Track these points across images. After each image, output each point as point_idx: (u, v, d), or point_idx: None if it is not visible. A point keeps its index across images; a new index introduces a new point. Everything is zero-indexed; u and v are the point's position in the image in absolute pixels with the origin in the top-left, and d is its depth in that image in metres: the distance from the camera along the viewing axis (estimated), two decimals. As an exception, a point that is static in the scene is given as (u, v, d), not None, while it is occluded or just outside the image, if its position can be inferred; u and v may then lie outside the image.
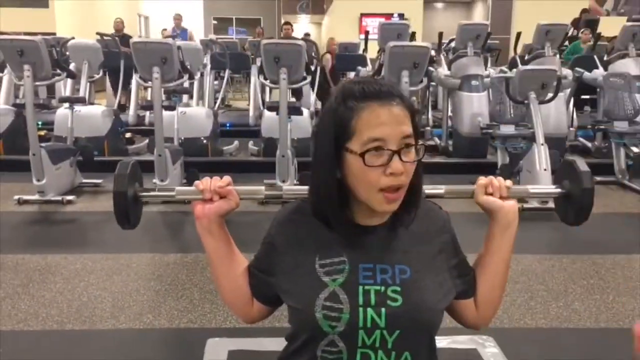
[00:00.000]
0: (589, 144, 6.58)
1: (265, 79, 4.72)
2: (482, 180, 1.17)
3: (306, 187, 1.14)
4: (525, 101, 5.00)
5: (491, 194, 1.15)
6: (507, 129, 5.40)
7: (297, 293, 1.07)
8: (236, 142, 6.73)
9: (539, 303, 2.98)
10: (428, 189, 1.18)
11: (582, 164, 1.22)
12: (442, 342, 1.70)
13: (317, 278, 1.06)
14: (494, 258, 1.17)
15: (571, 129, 6.67)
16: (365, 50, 8.28)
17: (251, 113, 7.44)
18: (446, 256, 1.13)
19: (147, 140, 6.60)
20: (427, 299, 1.06)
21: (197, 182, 1.14)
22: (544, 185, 4.48)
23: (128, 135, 6.85)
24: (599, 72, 6.40)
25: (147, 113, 7.49)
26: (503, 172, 4.93)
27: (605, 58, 6.84)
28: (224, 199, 1.13)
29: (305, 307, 1.04)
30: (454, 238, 1.17)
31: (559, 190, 1.26)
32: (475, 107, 6.04)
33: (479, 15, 18.19)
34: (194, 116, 6.04)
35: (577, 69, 6.62)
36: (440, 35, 6.82)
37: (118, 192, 1.19)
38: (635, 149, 5.39)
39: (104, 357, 2.44)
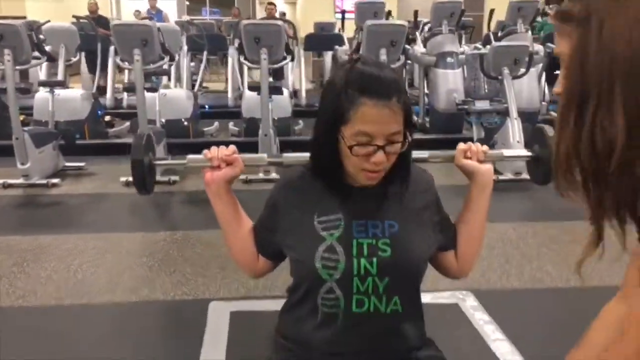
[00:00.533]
0: (560, 118, 6.78)
1: (246, 59, 4.79)
2: (462, 145, 1.31)
3: (304, 154, 1.27)
4: (499, 77, 5.16)
5: (470, 158, 1.29)
6: (482, 105, 5.56)
7: (299, 247, 1.20)
8: (216, 124, 6.79)
9: (514, 266, 3.16)
10: (414, 154, 1.31)
11: (550, 130, 1.36)
12: (425, 297, 1.84)
13: (316, 233, 1.19)
14: (472, 215, 1.31)
15: (543, 103, 6.86)
16: (342, 29, 8.35)
17: (230, 94, 7.48)
18: (430, 213, 1.26)
19: (127, 123, 6.63)
20: (413, 249, 1.19)
21: (205, 151, 1.25)
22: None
23: (107, 118, 6.85)
24: (568, 48, 6.57)
25: (125, 96, 7.49)
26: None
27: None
28: (230, 166, 1.25)
29: (306, 258, 1.17)
30: (437, 198, 1.30)
31: (530, 153, 1.40)
32: (450, 83, 6.19)
33: (453, -8, 18.26)
34: (175, 98, 6.07)
35: (549, 44, 6.79)
36: (416, 13, 6.93)
37: (135, 161, 1.29)
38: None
39: (104, 328, 2.55)
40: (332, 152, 1.15)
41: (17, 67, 4.61)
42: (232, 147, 1.27)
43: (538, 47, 6.57)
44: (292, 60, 5.25)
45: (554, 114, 6.98)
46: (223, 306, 1.79)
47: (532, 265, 3.19)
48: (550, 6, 9.17)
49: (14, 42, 4.41)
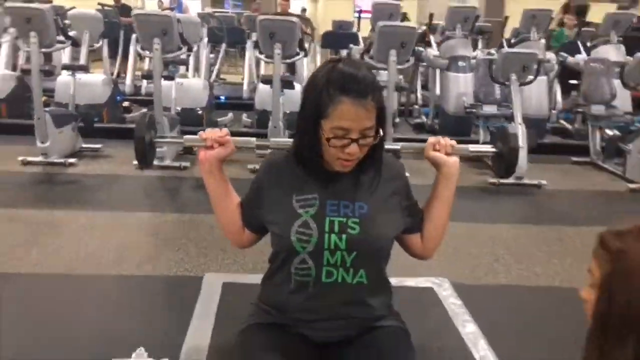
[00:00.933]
0: (569, 127, 6.87)
1: (261, 53, 4.95)
2: (432, 139, 1.45)
3: (290, 140, 1.43)
4: (507, 82, 5.26)
5: (438, 151, 1.43)
6: (490, 109, 5.68)
7: (278, 221, 1.36)
8: (230, 114, 6.95)
9: (502, 265, 3.29)
10: (387, 145, 1.46)
11: (512, 129, 1.51)
12: (404, 282, 2.00)
13: (294, 210, 1.34)
14: (438, 203, 1.46)
15: (554, 111, 6.93)
16: (358, 28, 8.49)
17: (245, 87, 7.66)
18: (399, 198, 1.41)
19: (144, 110, 6.84)
20: (379, 229, 1.34)
21: (200, 132, 1.41)
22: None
23: (125, 104, 7.06)
24: (581, 57, 6.65)
25: (144, 83, 7.69)
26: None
27: (588, 44, 7.10)
28: (222, 146, 1.41)
29: (283, 232, 1.33)
30: (407, 184, 1.45)
31: (493, 149, 1.55)
32: (461, 87, 6.30)
33: (474, -3, 18.26)
34: (191, 87, 6.25)
35: (562, 53, 6.87)
36: (431, 16, 7.05)
37: (138, 137, 1.46)
38: (609, 132, 5.68)
39: (110, 297, 2.75)
40: (312, 141, 1.30)
41: (42, 50, 4.81)
42: (225, 130, 1.43)
43: (550, 56, 6.66)
44: (305, 56, 5.40)
45: (563, 122, 7.07)
46: (216, 277, 1.96)
47: (521, 265, 3.31)
48: (569, 15, 9.23)
49: (40, 26, 4.61)
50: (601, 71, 6.00)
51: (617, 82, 5.90)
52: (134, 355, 2.18)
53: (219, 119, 6.66)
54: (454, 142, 1.45)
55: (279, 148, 1.49)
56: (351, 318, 1.37)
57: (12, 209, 3.79)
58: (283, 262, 1.36)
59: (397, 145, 1.50)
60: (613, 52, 6.49)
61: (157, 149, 4.79)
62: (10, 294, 2.71)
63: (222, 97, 7.75)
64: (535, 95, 6.27)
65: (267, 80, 5.06)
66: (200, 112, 6.24)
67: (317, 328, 1.37)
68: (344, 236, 1.31)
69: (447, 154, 1.43)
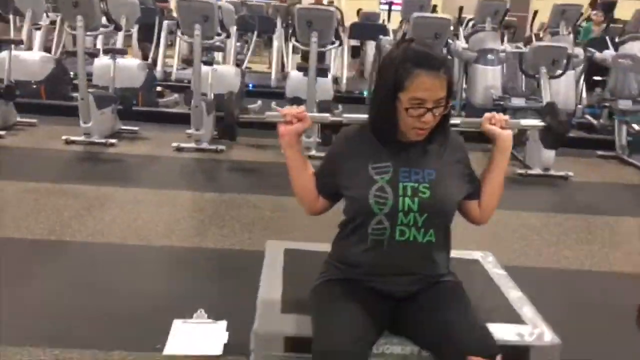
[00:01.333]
0: (595, 122, 6.93)
1: (297, 41, 5.09)
2: (487, 114, 1.62)
3: (361, 116, 1.59)
4: (536, 75, 5.36)
5: (494, 124, 1.58)
6: (518, 102, 5.78)
7: (356, 187, 1.51)
8: (259, 102, 7.11)
9: (533, 249, 3.41)
10: None
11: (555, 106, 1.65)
12: (453, 254, 2.14)
13: (370, 177, 1.49)
14: (493, 173, 1.61)
15: (579, 106, 7.00)
16: (388, 20, 8.59)
17: (273, 75, 7.80)
18: (461, 167, 1.56)
19: (175, 96, 7.08)
20: (447, 194, 1.50)
21: (280, 109, 1.58)
22: (549, 157, 4.89)
23: (158, 89, 7.25)
24: (608, 53, 6.70)
25: (174, 69, 7.88)
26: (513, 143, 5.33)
27: (616, 40, 7.14)
28: (300, 121, 1.56)
29: (361, 196, 1.48)
30: (467, 156, 1.60)
31: (543, 123, 1.70)
32: (489, 79, 6.40)
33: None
34: (225, 74, 6.40)
35: (589, 49, 6.93)
36: (461, 9, 7.13)
37: (227, 113, 1.63)
38: (636, 127, 5.75)
39: (162, 266, 2.94)
40: (389, 113, 1.45)
41: (88, 34, 4.99)
42: (302, 107, 1.59)
43: (578, 50, 6.72)
44: (340, 45, 5.54)
45: (589, 117, 7.13)
46: (278, 244, 2.11)
47: (550, 249, 3.43)
48: (595, 12, 9.24)
49: (86, 10, 4.78)
50: (629, 67, 6.06)
51: (645, 78, 5.96)
52: (195, 315, 2.37)
53: (249, 106, 6.81)
54: (507, 117, 1.60)
55: (351, 123, 1.64)
56: (419, 274, 1.52)
57: (62, 184, 3.98)
58: (360, 226, 1.51)
59: (457, 120, 1.65)
60: (641, 48, 6.52)
61: (196, 132, 4.94)
62: (69, 260, 2.90)
63: (250, 85, 7.91)
64: (563, 90, 6.35)
65: (302, 68, 5.20)
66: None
67: (388, 282, 1.52)
68: (416, 199, 1.46)
69: (502, 127, 1.58)
